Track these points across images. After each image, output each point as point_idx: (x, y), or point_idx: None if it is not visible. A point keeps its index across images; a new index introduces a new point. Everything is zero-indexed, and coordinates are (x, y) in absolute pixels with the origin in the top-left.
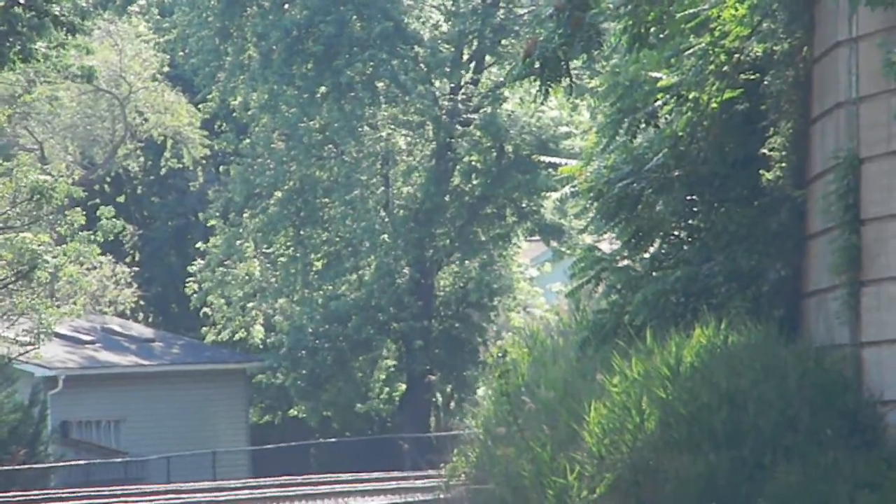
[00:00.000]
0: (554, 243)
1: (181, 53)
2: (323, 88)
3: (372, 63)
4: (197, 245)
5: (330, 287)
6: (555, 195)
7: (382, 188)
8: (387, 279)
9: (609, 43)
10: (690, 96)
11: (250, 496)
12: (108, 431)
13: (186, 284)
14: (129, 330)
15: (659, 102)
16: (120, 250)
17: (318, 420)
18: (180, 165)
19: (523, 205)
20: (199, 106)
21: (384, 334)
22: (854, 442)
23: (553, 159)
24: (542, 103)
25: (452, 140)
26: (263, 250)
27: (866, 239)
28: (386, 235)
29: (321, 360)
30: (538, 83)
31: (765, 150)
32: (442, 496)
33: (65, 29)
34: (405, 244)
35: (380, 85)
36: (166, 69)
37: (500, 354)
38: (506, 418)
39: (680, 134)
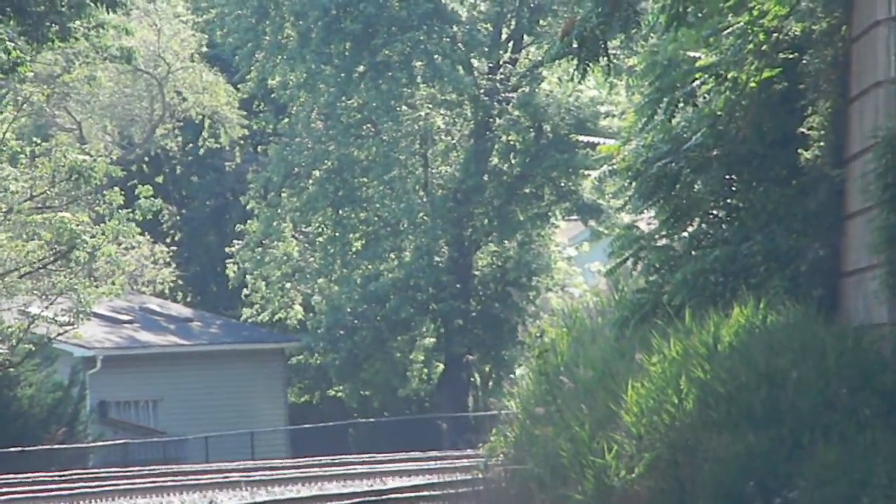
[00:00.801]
0: (592, 223)
1: (219, 33)
2: (361, 68)
3: (409, 44)
4: (236, 226)
5: (369, 267)
6: (593, 174)
7: (421, 168)
8: (425, 259)
9: (647, 22)
10: (729, 76)
11: (289, 475)
12: (146, 411)
13: (225, 265)
14: (167, 310)
15: (697, 82)
16: (158, 230)
17: (357, 400)
18: (218, 145)
19: (561, 184)
20: (238, 86)
21: (423, 314)
22: (893, 422)
23: (591, 138)
24: (579, 82)
25: (491, 120)
26: (302, 230)
27: None
28: (424, 215)
29: (360, 340)
30: (576, 63)
31: (803, 130)
32: (480, 476)
33: (104, 5)
34: (444, 224)
35: (418, 64)
36: (204, 49)
37: (538, 334)
38: (544, 398)
39: (718, 113)
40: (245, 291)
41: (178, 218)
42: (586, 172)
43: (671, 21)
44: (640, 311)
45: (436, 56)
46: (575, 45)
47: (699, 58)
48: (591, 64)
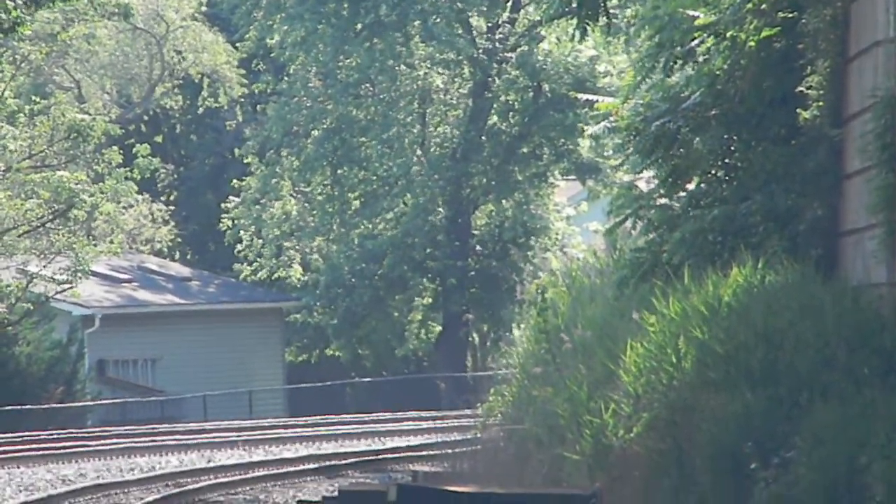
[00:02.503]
0: (590, 182)
1: None
2: (358, 27)
3: (402, 4)
4: (233, 182)
5: (368, 226)
6: (591, 129)
7: (419, 127)
8: (422, 217)
9: None
10: (728, 35)
11: (286, 435)
12: (144, 370)
13: (222, 222)
14: (165, 269)
15: (696, 41)
16: (155, 189)
17: (354, 359)
18: (217, 104)
19: (560, 143)
20: (237, 45)
21: (420, 273)
22: (891, 381)
23: (590, 96)
24: (580, 42)
25: (489, 79)
26: (300, 189)
27: None
28: (422, 173)
29: (357, 298)
30: (575, 22)
31: (802, 89)
32: (478, 435)
33: None
34: (441, 183)
35: (416, 24)
36: (203, 8)
37: (538, 291)
38: (543, 358)
39: (717, 73)
40: (239, 247)
41: (175, 177)
42: (584, 127)
43: None
44: (640, 270)
45: (434, 17)
46: (574, 5)
47: (698, 17)
48: (590, 23)
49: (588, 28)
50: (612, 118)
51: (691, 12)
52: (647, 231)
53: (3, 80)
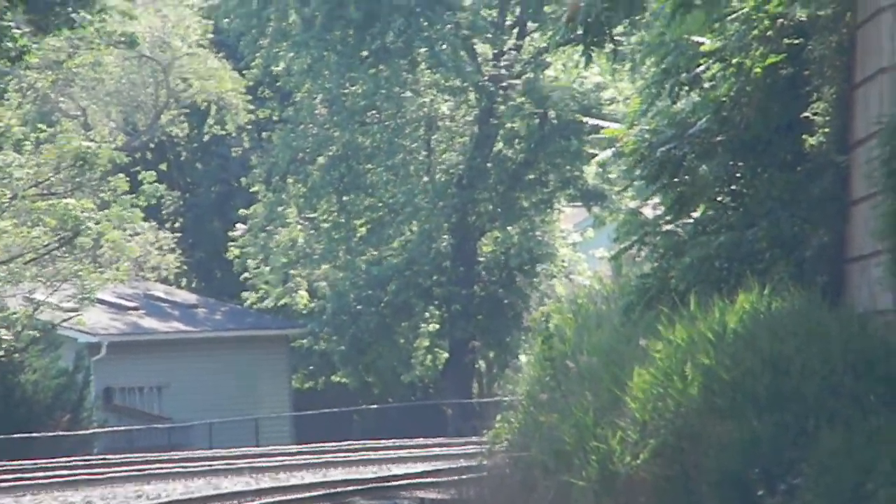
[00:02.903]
0: (596, 209)
1: (225, 20)
2: (364, 54)
3: (408, 31)
4: (240, 210)
5: (374, 253)
6: (598, 157)
7: (425, 154)
8: (428, 244)
9: (653, 9)
10: (734, 61)
11: (293, 462)
12: (150, 397)
13: (228, 250)
14: (172, 296)
15: (702, 67)
16: (162, 217)
17: (361, 386)
18: (223, 132)
19: (566, 170)
20: (243, 72)
21: (426, 300)
22: None
23: (596, 121)
24: (585, 68)
25: (495, 106)
26: (306, 216)
27: None
28: (426, 200)
29: (363, 325)
30: (581, 49)
31: (808, 115)
32: (484, 462)
33: None
34: (447, 210)
35: (422, 50)
36: (210, 35)
37: (543, 319)
38: (549, 384)
39: (723, 99)
40: (246, 275)
41: (181, 204)
42: (590, 151)
43: (677, 8)
44: (646, 296)
45: (440, 43)
46: (580, 32)
47: (704, 43)
48: (595, 50)
49: (593, 55)
50: (617, 144)
51: (697, 38)
52: (653, 257)
53: (9, 108)
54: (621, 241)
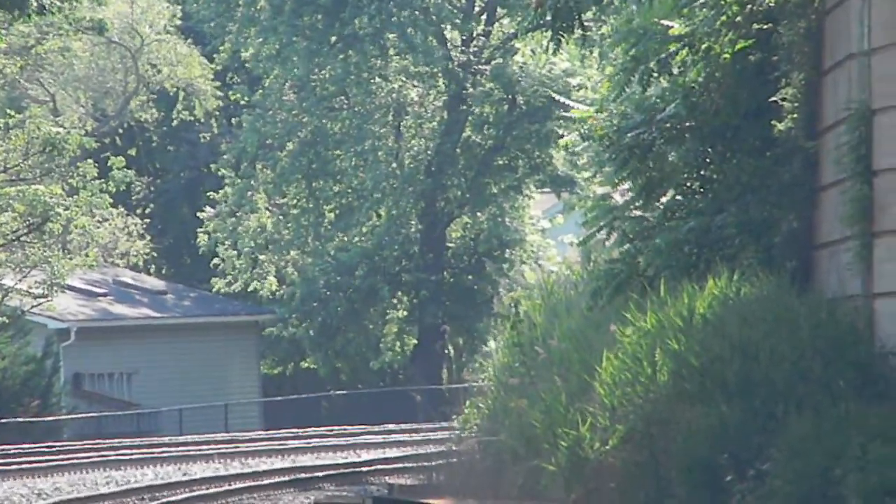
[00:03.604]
0: (565, 195)
1: (193, 5)
2: (333, 39)
3: (379, 16)
4: (208, 194)
5: (343, 238)
6: (566, 137)
7: (394, 139)
8: (396, 230)
9: None
10: (703, 46)
11: (263, 448)
12: (120, 383)
13: (198, 236)
14: (141, 282)
15: (672, 50)
16: (131, 202)
17: (330, 372)
18: (192, 117)
19: (535, 155)
20: (212, 57)
21: (394, 286)
22: (866, 393)
23: (566, 100)
24: (553, 54)
25: (464, 92)
26: (275, 202)
27: (878, 190)
28: (395, 184)
29: (332, 311)
30: (550, 34)
31: (776, 99)
32: (454, 447)
33: None
34: (416, 195)
35: (391, 37)
36: (178, 21)
37: (512, 305)
38: (518, 370)
39: (692, 85)
40: (216, 261)
41: (150, 190)
42: (560, 132)
43: None
44: (614, 281)
45: (409, 29)
46: (549, 18)
47: (673, 27)
48: (565, 35)
49: (562, 40)
50: (585, 127)
51: (666, 22)
52: (622, 242)
53: None
54: (590, 225)
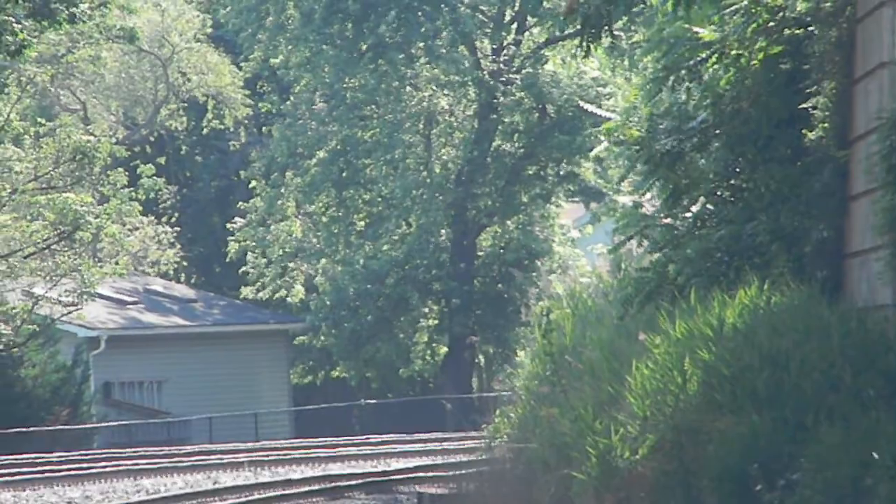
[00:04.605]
0: (594, 205)
1: (223, 12)
2: (363, 47)
3: (404, 26)
4: (239, 204)
5: (371, 247)
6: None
7: (423, 148)
8: (426, 239)
9: (652, 4)
10: (732, 53)
11: (293, 456)
12: (150, 392)
13: (227, 244)
14: (171, 290)
15: (702, 56)
16: (161, 211)
17: (360, 380)
18: (222, 126)
19: (564, 165)
20: (241, 66)
21: (424, 294)
22: None
23: (596, 110)
24: (584, 57)
25: (494, 100)
26: (305, 210)
27: None
28: (425, 194)
29: (362, 319)
30: (579, 41)
31: (807, 106)
32: (484, 456)
33: None
34: (446, 205)
35: (420, 45)
36: (208, 29)
37: (544, 313)
38: (549, 378)
39: (723, 93)
40: (244, 269)
41: (179, 199)
42: (592, 138)
43: (678, 3)
44: (645, 289)
45: (433, 40)
46: (579, 25)
47: (703, 33)
48: (594, 42)
49: (591, 47)
50: (616, 135)
51: (697, 29)
52: (652, 250)
53: (9, 103)
54: (620, 232)
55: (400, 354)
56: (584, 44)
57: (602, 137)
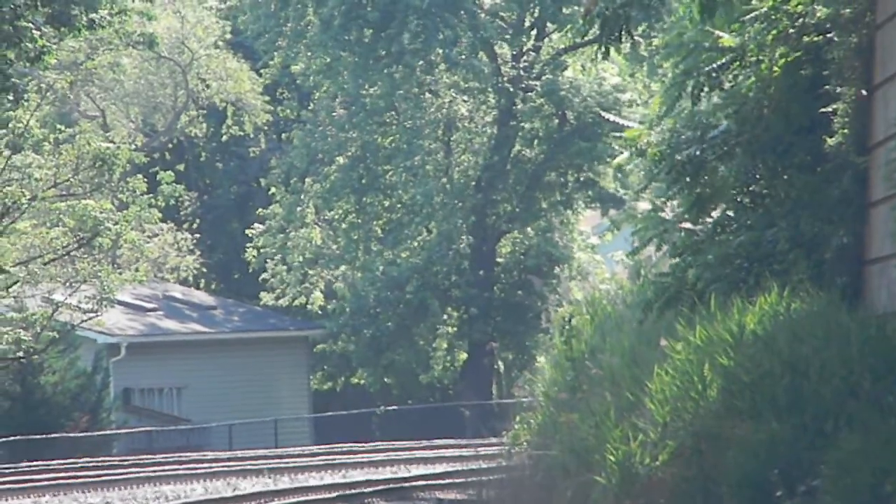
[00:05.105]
0: (612, 212)
1: (241, 19)
2: (382, 53)
3: (423, 32)
4: (258, 211)
5: (391, 253)
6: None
7: (443, 155)
8: (446, 245)
9: (674, 11)
10: (751, 59)
11: (313, 463)
12: (170, 398)
13: (247, 250)
14: (190, 297)
15: (723, 61)
16: (180, 218)
17: (380, 387)
18: (242, 132)
19: (584, 170)
20: (261, 72)
21: (444, 301)
22: None
23: (616, 118)
24: (604, 58)
25: (514, 107)
26: (324, 217)
27: None
28: (445, 200)
29: (382, 326)
30: (599, 43)
31: (827, 111)
32: (504, 463)
33: None
34: (465, 211)
35: (439, 52)
36: (228, 36)
37: (566, 319)
38: (570, 384)
39: (744, 100)
40: (264, 276)
41: (199, 205)
42: (613, 147)
43: (703, 11)
44: (664, 294)
45: (456, 46)
46: (597, 29)
47: (724, 37)
48: (612, 45)
49: (611, 49)
50: (638, 144)
51: (718, 33)
52: (672, 254)
53: (28, 110)
54: (640, 236)
55: (419, 361)
56: (604, 46)
57: (622, 148)
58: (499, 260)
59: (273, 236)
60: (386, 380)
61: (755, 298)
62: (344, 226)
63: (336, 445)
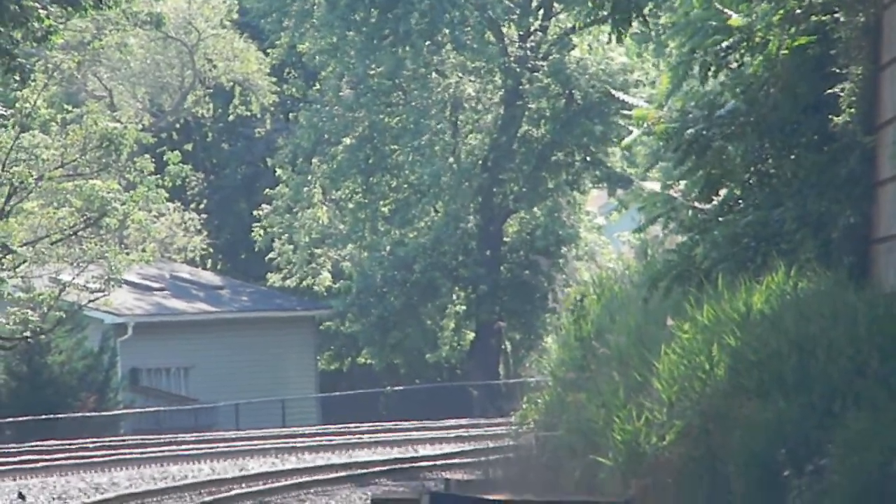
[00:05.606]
0: (620, 192)
1: (250, 0)
2: (387, 34)
3: (430, 13)
4: (265, 191)
5: (398, 233)
6: (624, 141)
7: (450, 134)
8: (453, 225)
9: None
10: (758, 40)
11: (319, 443)
12: (177, 378)
13: (253, 230)
14: (197, 277)
15: (731, 41)
16: (188, 198)
17: (387, 367)
18: (248, 112)
19: (592, 150)
20: (268, 52)
21: (452, 281)
22: None
23: (623, 97)
24: (618, 41)
25: (521, 87)
26: (331, 197)
27: None
28: (453, 181)
29: (389, 306)
30: (610, 25)
31: (835, 90)
32: (511, 443)
33: None
34: (472, 191)
35: (446, 32)
36: (234, 16)
37: (577, 298)
38: (578, 364)
39: (751, 80)
40: (271, 255)
41: (206, 186)
42: (620, 124)
43: None
44: (671, 272)
45: (463, 25)
46: (606, 12)
47: (731, 16)
48: (623, 27)
49: (622, 32)
50: (647, 124)
51: (727, 11)
52: (680, 232)
53: (35, 90)
54: (647, 213)
55: (427, 340)
56: (616, 28)
57: (632, 127)
58: (506, 240)
59: (280, 216)
60: (393, 360)
61: (762, 278)
62: (351, 206)
63: (343, 425)
